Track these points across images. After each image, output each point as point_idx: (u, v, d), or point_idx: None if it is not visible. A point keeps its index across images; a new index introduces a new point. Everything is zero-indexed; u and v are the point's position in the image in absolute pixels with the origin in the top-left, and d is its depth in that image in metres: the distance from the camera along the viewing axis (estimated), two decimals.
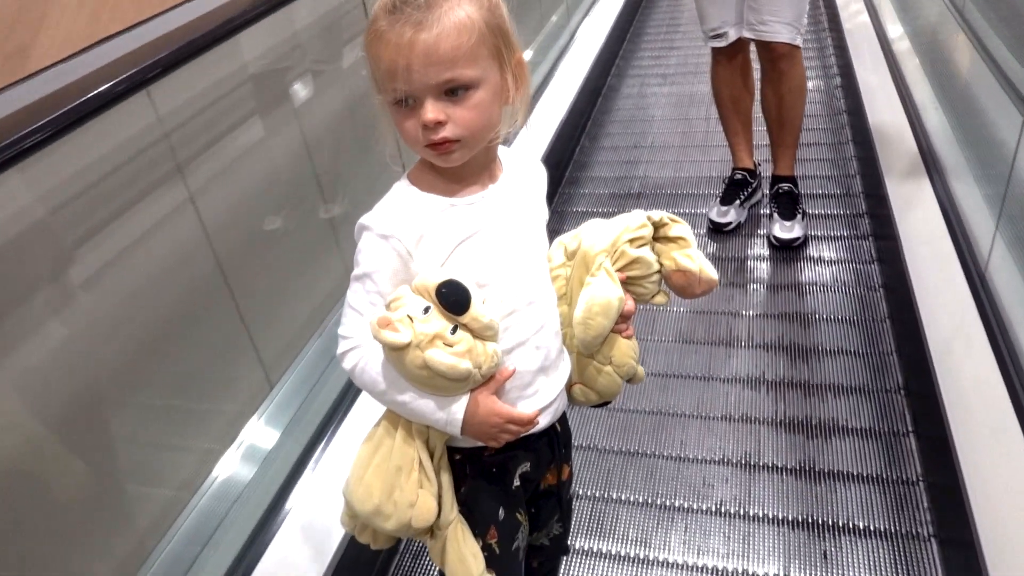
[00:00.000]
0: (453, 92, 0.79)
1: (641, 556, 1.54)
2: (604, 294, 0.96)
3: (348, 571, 1.41)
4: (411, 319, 0.79)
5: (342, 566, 1.40)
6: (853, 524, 1.54)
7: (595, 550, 1.56)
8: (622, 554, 1.55)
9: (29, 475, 1.20)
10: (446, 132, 0.80)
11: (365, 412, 1.68)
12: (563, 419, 1.03)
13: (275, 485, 1.53)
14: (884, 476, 1.63)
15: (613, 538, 1.58)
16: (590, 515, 1.63)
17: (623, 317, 1.00)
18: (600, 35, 3.75)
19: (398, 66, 0.77)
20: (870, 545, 1.50)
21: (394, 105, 0.81)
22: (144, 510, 1.48)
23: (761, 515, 1.59)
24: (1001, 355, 1.51)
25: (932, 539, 1.49)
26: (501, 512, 0.95)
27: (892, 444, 1.70)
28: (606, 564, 1.53)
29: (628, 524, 1.61)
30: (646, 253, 1.03)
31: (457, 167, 0.85)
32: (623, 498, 1.67)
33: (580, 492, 1.68)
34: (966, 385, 1.53)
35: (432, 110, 0.78)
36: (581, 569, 1.52)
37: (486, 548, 0.93)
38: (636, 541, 1.57)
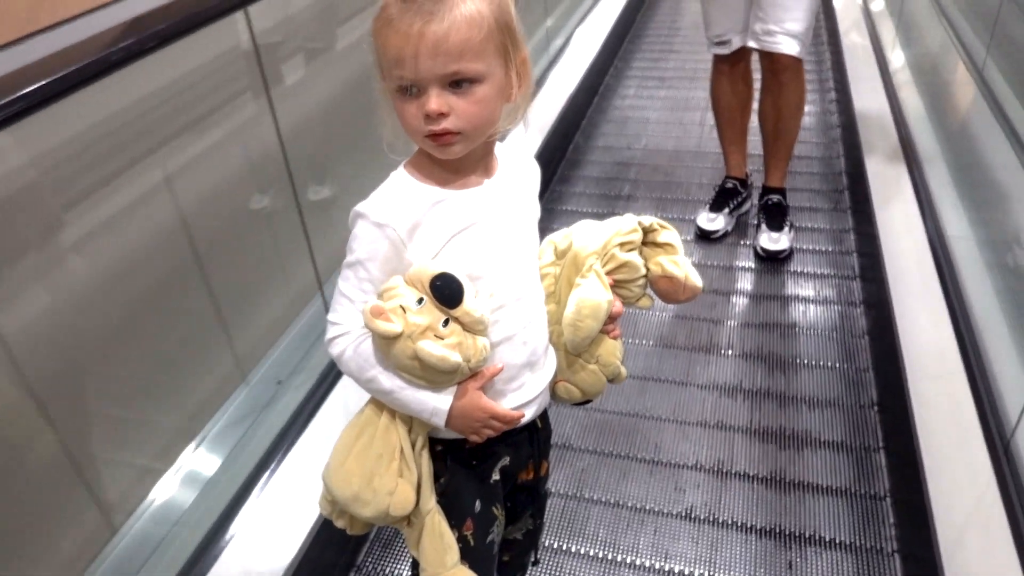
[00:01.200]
0: (458, 85, 0.79)
1: (609, 557, 1.55)
2: (594, 297, 0.98)
3: (319, 554, 1.41)
4: (404, 309, 0.80)
5: (313, 550, 1.39)
6: (819, 536, 1.56)
7: (564, 548, 1.57)
8: (591, 554, 1.56)
9: None
10: (448, 124, 0.80)
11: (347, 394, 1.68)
12: (544, 415, 1.04)
13: (243, 474, 1.52)
14: (852, 490, 1.66)
15: (582, 538, 1.59)
16: (561, 514, 1.64)
17: (611, 318, 1.01)
18: (599, 35, 3.75)
19: (406, 54, 0.77)
20: (835, 557, 1.52)
21: (397, 92, 0.81)
22: (113, 486, 1.46)
23: (730, 522, 1.61)
24: (974, 378, 1.54)
25: (895, 554, 1.51)
26: (478, 505, 0.95)
27: (862, 459, 1.73)
28: (574, 563, 1.54)
29: (598, 524, 1.62)
30: (634, 257, 1.05)
31: (454, 161, 0.85)
32: (595, 498, 1.68)
33: (552, 490, 1.69)
34: (937, 405, 1.56)
35: (436, 100, 0.78)
36: (549, 566, 1.53)
37: (461, 539, 0.94)
38: (605, 542, 1.58)
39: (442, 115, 0.79)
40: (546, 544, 1.57)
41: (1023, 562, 1.21)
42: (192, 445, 1.59)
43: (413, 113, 0.80)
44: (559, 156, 3.01)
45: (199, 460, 1.58)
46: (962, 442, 1.45)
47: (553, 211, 2.72)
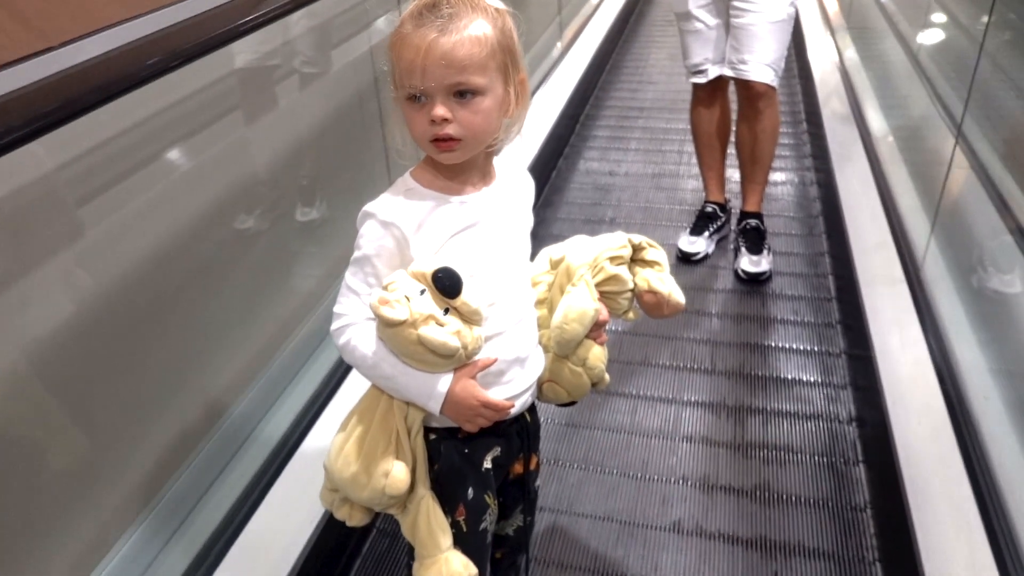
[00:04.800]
0: (461, 95, 0.87)
1: (600, 570, 1.56)
2: (581, 304, 1.06)
3: (312, 567, 1.42)
4: (408, 299, 0.86)
5: (307, 563, 1.40)
6: (803, 546, 1.59)
7: (555, 562, 1.58)
8: (581, 566, 1.57)
9: None
10: (450, 129, 0.87)
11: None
12: (533, 410, 1.10)
13: (241, 484, 1.53)
14: (833, 502, 1.69)
15: (573, 551, 1.61)
16: (551, 527, 1.66)
17: (598, 325, 1.09)
18: (580, 66, 3.86)
19: (416, 65, 0.85)
20: (818, 566, 1.55)
21: (407, 101, 0.89)
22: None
23: (717, 534, 1.63)
24: (948, 394, 1.60)
25: (876, 563, 1.55)
26: (471, 492, 1.00)
27: (842, 472, 1.77)
28: (564, 575, 1.56)
29: (588, 538, 1.64)
30: (622, 271, 1.13)
31: (456, 168, 0.93)
32: (584, 513, 1.70)
33: (542, 505, 1.70)
34: (915, 419, 1.61)
35: (441, 107, 0.87)
36: None
37: (454, 525, 0.98)
38: (595, 555, 1.60)
39: (446, 120, 0.86)
40: (537, 557, 1.58)
41: (1000, 566, 1.25)
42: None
43: (420, 120, 0.88)
44: (542, 182, 3.08)
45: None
46: (939, 450, 1.50)
47: (537, 235, 2.71)
